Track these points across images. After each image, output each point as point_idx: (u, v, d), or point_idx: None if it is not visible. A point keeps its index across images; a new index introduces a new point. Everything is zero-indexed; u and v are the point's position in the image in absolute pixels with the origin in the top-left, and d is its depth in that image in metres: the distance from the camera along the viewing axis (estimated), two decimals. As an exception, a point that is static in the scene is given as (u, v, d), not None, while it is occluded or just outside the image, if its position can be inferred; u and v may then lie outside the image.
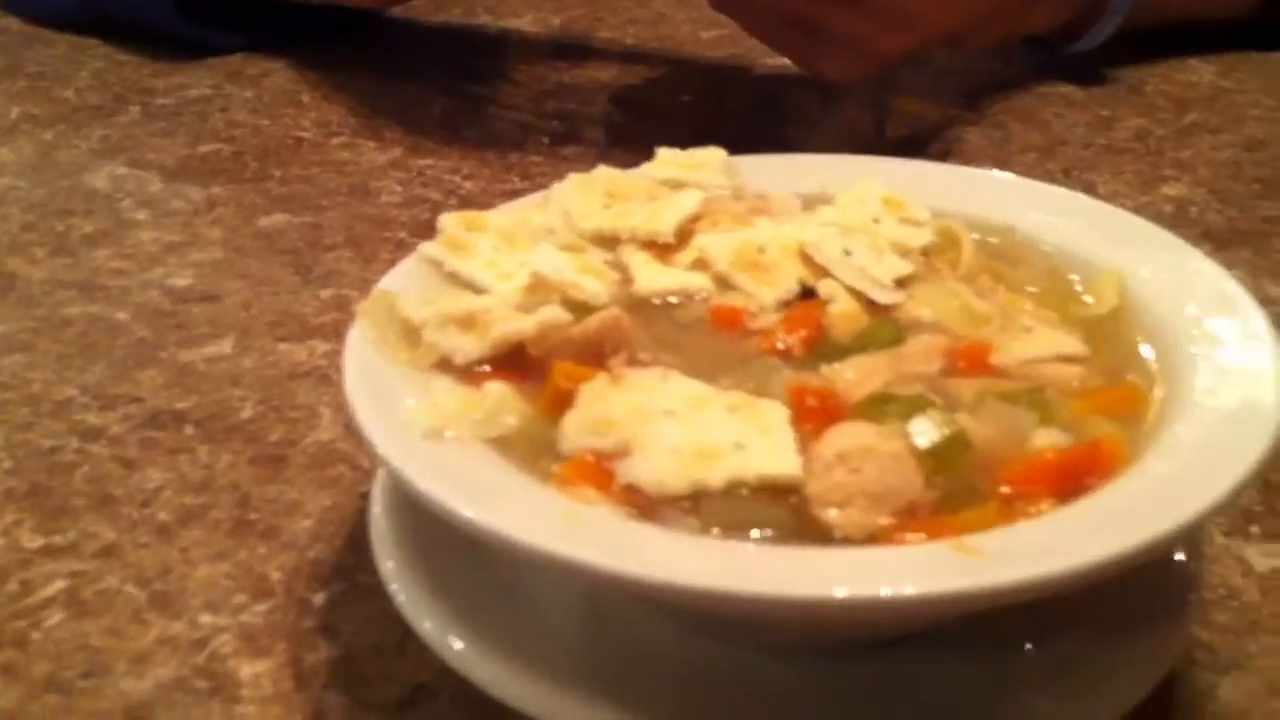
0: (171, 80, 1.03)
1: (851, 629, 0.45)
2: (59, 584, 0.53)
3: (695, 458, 0.41)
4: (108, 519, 0.56)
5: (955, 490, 0.41)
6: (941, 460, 0.42)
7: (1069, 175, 0.86)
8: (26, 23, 1.15)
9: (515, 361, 0.47)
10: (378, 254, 0.77)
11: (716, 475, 0.41)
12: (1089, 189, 0.83)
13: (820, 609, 0.38)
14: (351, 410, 0.43)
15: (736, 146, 0.60)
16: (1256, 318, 0.47)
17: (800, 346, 0.49)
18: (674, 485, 0.41)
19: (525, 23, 1.17)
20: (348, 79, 1.02)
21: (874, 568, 0.38)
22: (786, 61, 0.92)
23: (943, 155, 0.88)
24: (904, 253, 0.53)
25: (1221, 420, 0.42)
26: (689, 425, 0.43)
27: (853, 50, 0.83)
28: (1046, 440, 0.43)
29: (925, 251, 0.54)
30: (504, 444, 0.43)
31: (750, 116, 1.00)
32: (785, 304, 0.51)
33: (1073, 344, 0.49)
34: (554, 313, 0.47)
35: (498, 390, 0.45)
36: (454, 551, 0.46)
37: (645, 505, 0.41)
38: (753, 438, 0.42)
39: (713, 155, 0.59)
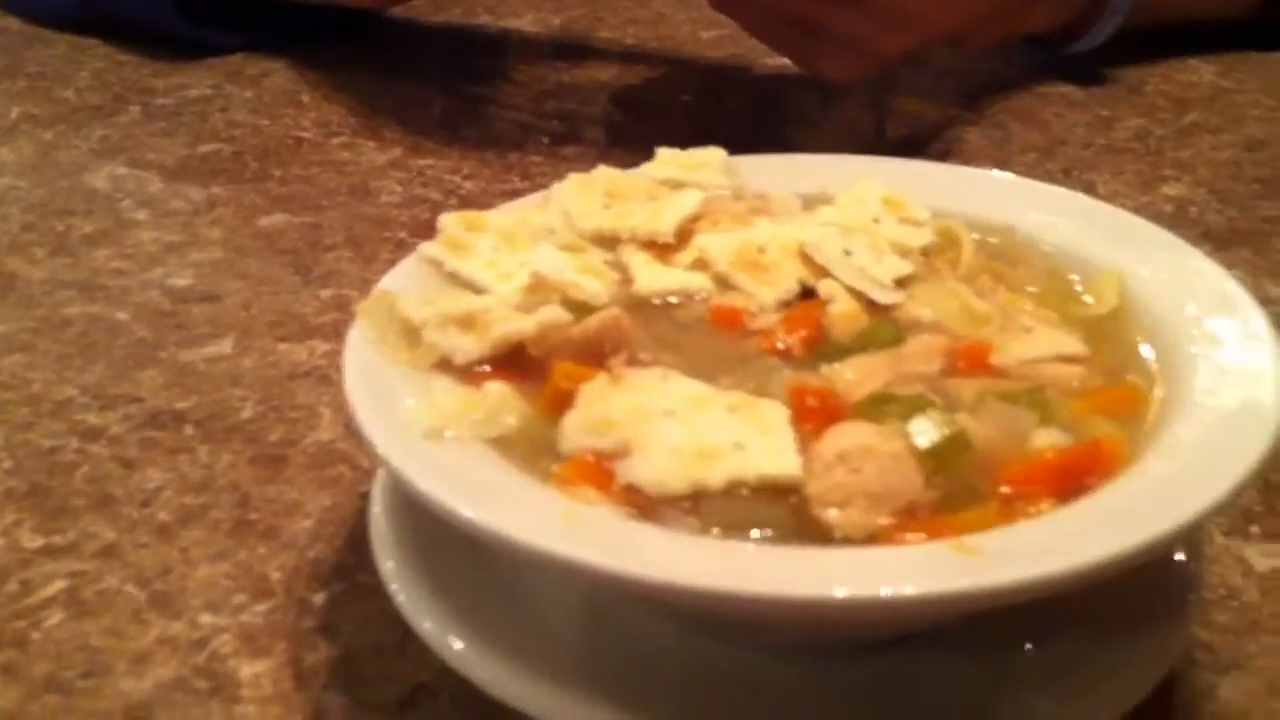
0: (172, 80, 1.03)
1: (851, 629, 0.45)
2: (59, 584, 0.53)
3: (695, 458, 0.41)
4: (108, 519, 0.56)
5: (955, 490, 0.41)
6: (941, 460, 0.42)
7: (1069, 175, 0.86)
8: (26, 23, 1.15)
9: (515, 361, 0.47)
10: (378, 254, 0.77)
11: (716, 475, 0.41)
12: (1089, 189, 0.83)
13: (820, 609, 0.38)
14: (351, 410, 0.43)
15: (736, 146, 0.60)
16: (1256, 318, 0.47)
17: (800, 346, 0.49)
18: (674, 485, 0.41)
19: (525, 23, 1.17)
20: (348, 79, 1.02)
21: (874, 568, 0.38)
22: (786, 61, 0.92)
23: (943, 155, 0.88)
24: (904, 253, 0.53)
25: (1221, 420, 0.42)
26: (689, 425, 0.43)
27: (853, 50, 0.83)
28: (1046, 440, 0.43)
29: (925, 251, 0.54)
30: (504, 444, 0.43)
31: (750, 116, 1.00)
32: (785, 304, 0.51)
33: (1073, 344, 0.49)
34: (554, 313, 0.47)
35: (498, 390, 0.45)
36: (454, 551, 0.46)
37: (645, 505, 0.41)
38: (753, 438, 0.42)
39: (713, 155, 0.59)
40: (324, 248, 0.78)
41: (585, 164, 0.58)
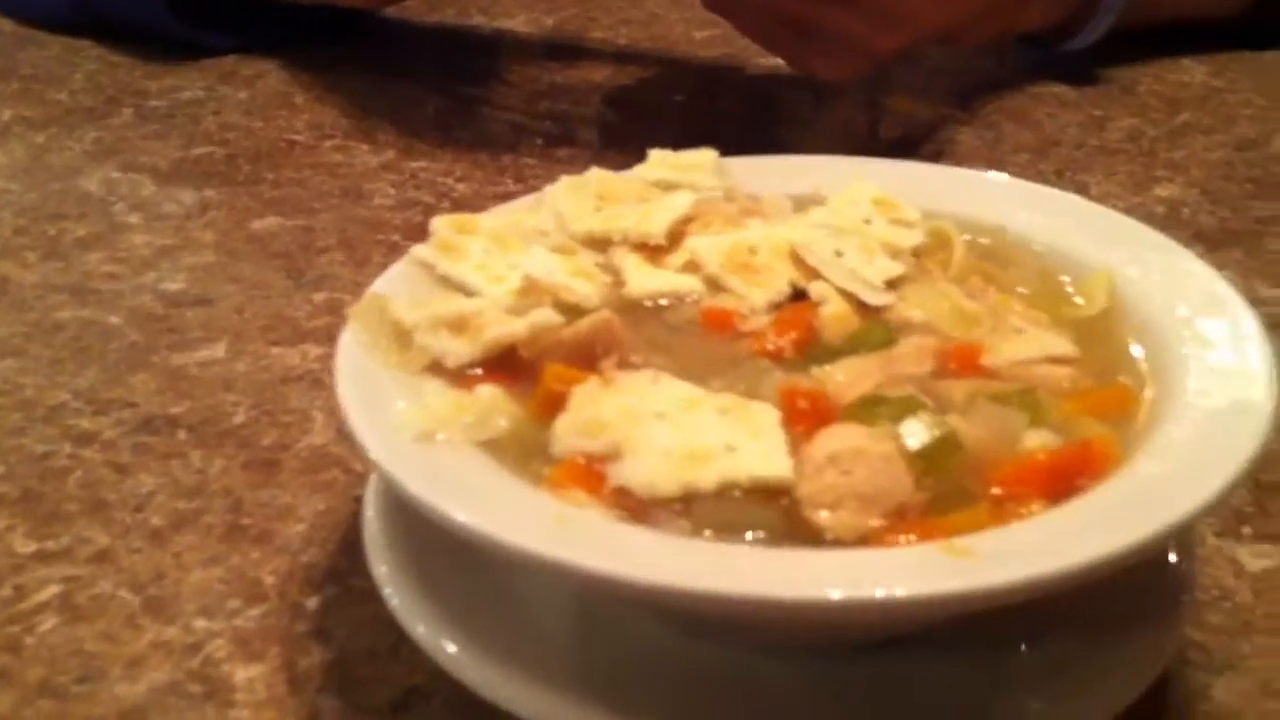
0: (164, 82, 1.03)
1: (843, 630, 0.45)
2: (52, 589, 0.53)
3: (686, 460, 0.41)
4: (101, 524, 0.56)
5: (946, 492, 0.41)
6: (932, 462, 0.42)
7: (1062, 176, 0.86)
8: (19, 24, 1.15)
9: (507, 364, 0.47)
10: (370, 257, 0.77)
11: (708, 477, 0.41)
12: (1082, 190, 0.83)
13: (812, 611, 0.38)
14: (343, 414, 0.43)
15: (730, 147, 0.60)
16: (1247, 319, 0.47)
17: (791, 348, 0.49)
18: (665, 488, 0.41)
19: (518, 23, 1.17)
20: (340, 80, 1.02)
21: (865, 569, 0.38)
22: (779, 62, 0.92)
23: (936, 156, 0.88)
24: (895, 254, 0.53)
25: (1212, 420, 0.42)
26: (680, 427, 0.43)
27: (846, 50, 0.83)
28: (1037, 441, 0.43)
29: (916, 253, 0.54)
30: (495, 447, 0.43)
31: (744, 116, 1.00)
32: (776, 306, 0.51)
33: (1063, 345, 0.49)
34: (545, 315, 0.47)
35: (489, 393, 0.45)
36: (447, 555, 0.46)
37: (637, 508, 0.41)
38: (744, 440, 0.42)
39: (705, 157, 0.59)
40: (316, 251, 0.78)
41: (579, 166, 0.58)
